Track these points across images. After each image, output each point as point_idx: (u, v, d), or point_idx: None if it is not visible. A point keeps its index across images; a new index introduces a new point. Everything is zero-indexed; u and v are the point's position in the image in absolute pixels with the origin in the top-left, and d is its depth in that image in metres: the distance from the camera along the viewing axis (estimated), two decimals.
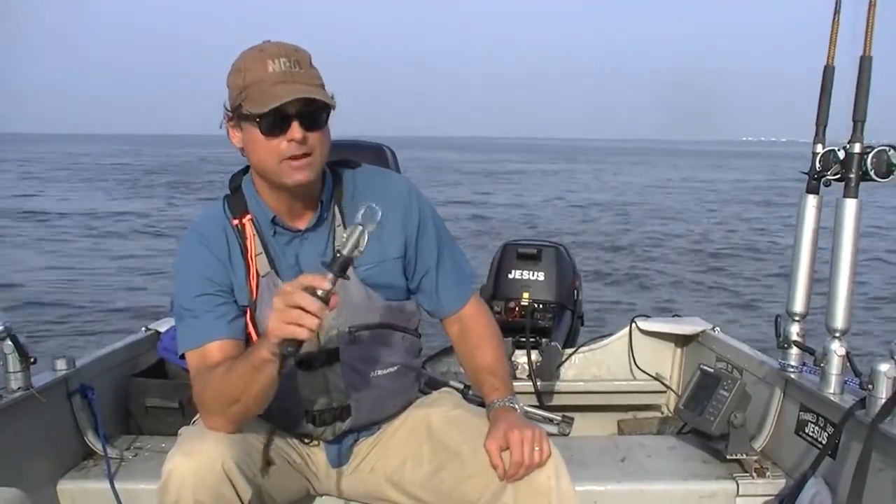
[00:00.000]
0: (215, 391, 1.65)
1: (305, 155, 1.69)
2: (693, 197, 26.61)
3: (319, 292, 1.44)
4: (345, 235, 1.48)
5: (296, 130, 1.66)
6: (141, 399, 2.68)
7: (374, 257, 1.84)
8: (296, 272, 1.75)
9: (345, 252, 1.46)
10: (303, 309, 1.43)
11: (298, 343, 1.46)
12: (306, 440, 1.94)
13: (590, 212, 20.71)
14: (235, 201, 1.85)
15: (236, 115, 1.72)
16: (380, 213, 1.50)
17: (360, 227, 1.47)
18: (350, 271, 1.71)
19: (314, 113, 1.69)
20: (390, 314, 1.88)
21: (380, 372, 1.87)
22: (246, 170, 1.87)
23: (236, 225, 1.82)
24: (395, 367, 1.90)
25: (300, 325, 1.43)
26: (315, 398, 1.84)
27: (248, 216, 1.82)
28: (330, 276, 1.46)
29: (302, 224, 1.82)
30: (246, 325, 1.78)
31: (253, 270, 1.79)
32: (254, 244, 1.80)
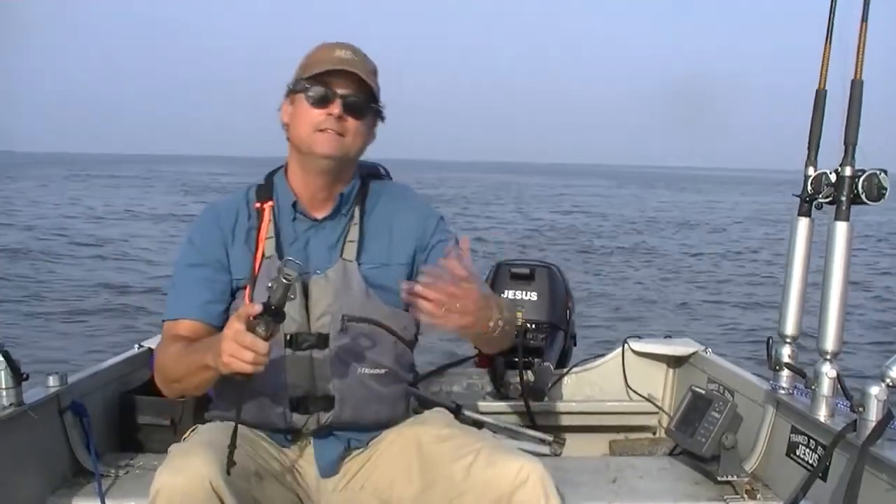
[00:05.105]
0: (165, 365, 1.86)
1: (338, 134, 1.84)
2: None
3: (260, 329, 1.56)
4: (272, 285, 1.57)
5: (336, 107, 1.83)
6: (133, 416, 2.67)
7: (379, 258, 1.93)
8: (303, 258, 1.84)
9: (274, 302, 1.57)
10: (252, 350, 1.55)
11: (248, 375, 1.61)
12: (289, 436, 1.93)
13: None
14: (264, 188, 1.99)
15: (293, 88, 1.90)
16: (298, 263, 1.60)
17: (284, 282, 1.55)
18: (353, 265, 1.86)
19: (360, 102, 1.86)
20: (385, 316, 1.90)
21: (367, 370, 1.90)
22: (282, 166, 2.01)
23: (257, 208, 1.94)
24: (384, 371, 1.92)
25: (251, 363, 1.57)
26: (299, 381, 1.86)
27: (270, 202, 1.94)
28: (263, 325, 1.57)
29: (321, 214, 1.93)
30: (244, 300, 1.86)
31: (261, 251, 1.90)
32: (267, 227, 1.91)
